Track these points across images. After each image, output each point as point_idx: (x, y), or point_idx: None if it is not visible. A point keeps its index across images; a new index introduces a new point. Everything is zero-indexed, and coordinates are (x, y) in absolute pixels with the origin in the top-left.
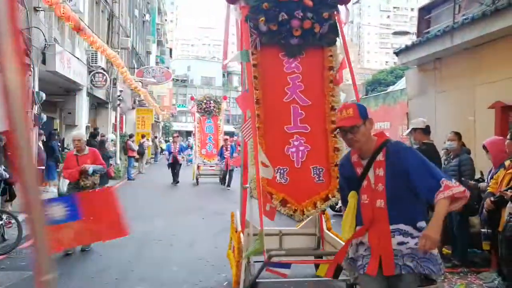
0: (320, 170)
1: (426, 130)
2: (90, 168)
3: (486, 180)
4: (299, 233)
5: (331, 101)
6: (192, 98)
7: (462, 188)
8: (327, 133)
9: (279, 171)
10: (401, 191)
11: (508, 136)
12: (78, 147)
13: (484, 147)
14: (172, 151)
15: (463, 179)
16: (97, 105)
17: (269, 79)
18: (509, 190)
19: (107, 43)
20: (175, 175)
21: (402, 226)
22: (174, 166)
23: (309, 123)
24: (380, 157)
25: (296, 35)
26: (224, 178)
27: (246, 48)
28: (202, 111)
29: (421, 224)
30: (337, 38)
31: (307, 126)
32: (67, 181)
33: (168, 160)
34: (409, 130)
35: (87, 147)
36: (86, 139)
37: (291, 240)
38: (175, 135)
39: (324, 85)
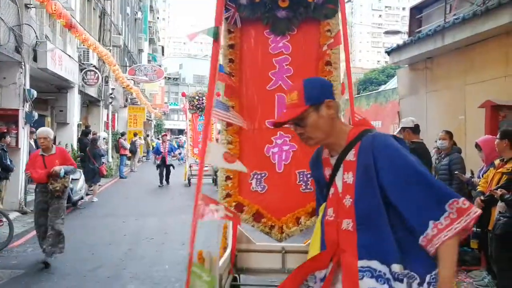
0: (308, 176)
1: (416, 129)
2: (62, 170)
3: (478, 176)
4: (305, 251)
5: None
6: (183, 94)
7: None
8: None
9: (255, 176)
10: (378, 210)
11: (498, 136)
12: (44, 145)
13: (477, 145)
14: (162, 151)
15: (456, 172)
16: (88, 103)
17: (249, 62)
18: (499, 189)
19: (99, 40)
20: (164, 176)
21: (376, 265)
22: (163, 167)
23: None
24: (351, 156)
25: (283, 7)
26: (216, 179)
27: (217, 24)
28: (195, 108)
29: (395, 267)
30: (337, 8)
31: None
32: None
33: (155, 161)
34: (398, 129)
35: (54, 146)
36: (53, 137)
37: (296, 259)
38: (163, 134)
39: (318, 68)
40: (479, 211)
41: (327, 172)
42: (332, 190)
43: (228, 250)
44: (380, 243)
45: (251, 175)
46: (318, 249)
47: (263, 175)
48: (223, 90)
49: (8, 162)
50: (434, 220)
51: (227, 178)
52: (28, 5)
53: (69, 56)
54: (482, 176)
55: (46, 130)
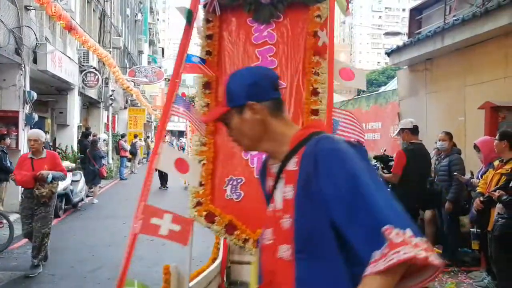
0: None
1: (414, 130)
2: (49, 175)
3: (477, 177)
4: None
5: (312, 82)
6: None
7: (422, 249)
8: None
9: (230, 182)
10: (323, 234)
11: (497, 137)
12: (35, 148)
13: (475, 146)
14: None
15: (455, 174)
16: (89, 104)
17: (229, 54)
18: (497, 191)
19: (99, 42)
20: (163, 178)
21: None
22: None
23: None
24: (293, 164)
25: None
26: None
27: (192, 9)
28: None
29: None
30: None
31: None
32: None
33: None
34: (397, 130)
35: (45, 150)
36: (44, 140)
37: None
38: None
39: (305, 59)
40: (410, 255)
41: (270, 183)
42: (271, 206)
43: (217, 262)
44: (324, 277)
45: (226, 181)
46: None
47: (239, 181)
48: (201, 85)
49: (8, 164)
50: (377, 250)
51: (199, 184)
52: (28, 7)
53: (69, 58)
54: (481, 177)
55: (37, 132)
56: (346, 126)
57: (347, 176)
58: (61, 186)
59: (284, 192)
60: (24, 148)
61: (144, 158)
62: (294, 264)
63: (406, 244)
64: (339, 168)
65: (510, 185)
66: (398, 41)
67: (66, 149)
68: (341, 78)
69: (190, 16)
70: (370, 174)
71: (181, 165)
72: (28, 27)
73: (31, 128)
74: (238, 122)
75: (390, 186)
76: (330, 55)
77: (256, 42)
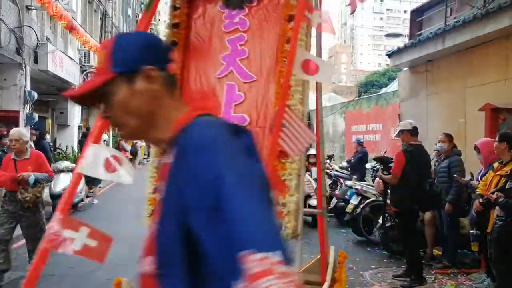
0: None
1: (414, 132)
2: (31, 176)
3: (476, 179)
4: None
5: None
6: None
7: (289, 281)
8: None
9: None
10: (174, 246)
11: (497, 138)
12: (16, 148)
13: (475, 147)
14: None
15: (455, 175)
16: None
17: (197, 44)
18: (495, 193)
19: (100, 42)
20: None
21: None
22: None
23: (249, 112)
24: (169, 156)
25: None
26: None
27: None
28: None
29: None
30: None
31: (244, 117)
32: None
33: None
34: (397, 132)
35: (29, 150)
36: (28, 139)
37: None
38: None
39: (279, 48)
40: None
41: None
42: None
43: None
44: None
45: None
46: None
47: None
48: None
49: None
50: (237, 280)
51: (155, 190)
52: (29, 7)
53: (70, 58)
54: (481, 179)
55: (18, 131)
56: (289, 134)
57: (213, 176)
58: (61, 186)
59: (160, 190)
60: None
61: (144, 158)
62: (158, 282)
63: (269, 274)
64: (205, 164)
65: (507, 186)
66: (399, 42)
67: (66, 149)
68: (302, 70)
69: (149, 2)
70: (242, 175)
71: (111, 166)
72: (29, 27)
73: (31, 128)
74: (126, 95)
75: (389, 187)
76: (293, 43)
77: (227, 30)
